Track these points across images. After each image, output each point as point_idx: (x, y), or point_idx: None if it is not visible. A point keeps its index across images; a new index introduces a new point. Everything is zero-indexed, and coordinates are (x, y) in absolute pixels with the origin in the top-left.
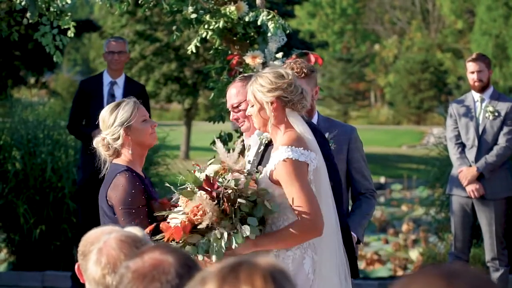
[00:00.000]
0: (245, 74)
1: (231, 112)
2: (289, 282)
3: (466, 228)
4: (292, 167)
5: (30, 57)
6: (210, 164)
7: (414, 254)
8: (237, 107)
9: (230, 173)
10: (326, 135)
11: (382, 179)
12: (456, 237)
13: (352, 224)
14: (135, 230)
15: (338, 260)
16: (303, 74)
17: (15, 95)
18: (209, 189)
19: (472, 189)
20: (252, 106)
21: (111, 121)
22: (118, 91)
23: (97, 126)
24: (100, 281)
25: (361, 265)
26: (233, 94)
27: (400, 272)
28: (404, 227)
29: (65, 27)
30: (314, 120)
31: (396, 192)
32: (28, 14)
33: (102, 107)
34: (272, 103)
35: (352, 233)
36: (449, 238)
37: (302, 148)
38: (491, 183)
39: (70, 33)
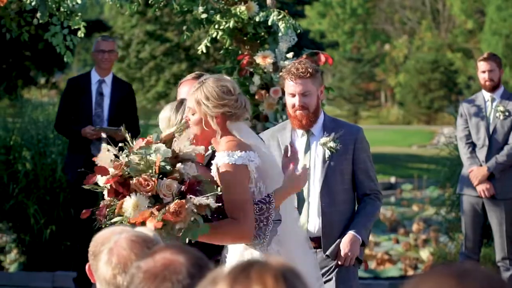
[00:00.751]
0: (198, 72)
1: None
2: (300, 282)
3: (477, 228)
4: (228, 172)
5: (41, 57)
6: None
7: (425, 254)
8: None
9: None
10: (332, 135)
11: (393, 179)
12: (466, 236)
13: (357, 226)
14: (146, 230)
15: (303, 254)
16: (308, 74)
17: (25, 96)
18: (192, 195)
19: (482, 188)
20: (193, 114)
21: (179, 119)
22: (107, 89)
23: (87, 124)
24: (111, 281)
25: (372, 264)
26: (185, 93)
27: (410, 272)
28: (415, 227)
29: (75, 27)
30: (320, 120)
31: (407, 192)
32: (38, 14)
33: (90, 105)
34: (216, 117)
35: (357, 235)
36: (459, 238)
37: (239, 151)
38: (502, 183)
39: (80, 33)
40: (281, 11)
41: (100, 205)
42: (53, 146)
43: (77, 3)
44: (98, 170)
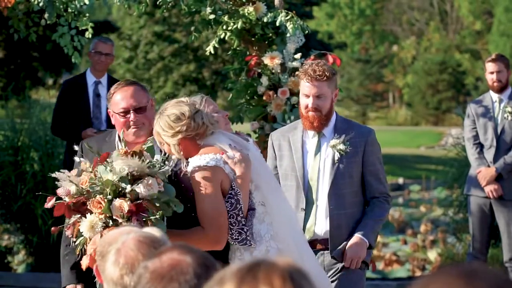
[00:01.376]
0: (129, 80)
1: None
2: (307, 282)
3: (484, 229)
4: (199, 176)
5: (48, 58)
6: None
7: (433, 254)
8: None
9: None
10: (342, 137)
11: (401, 180)
12: (474, 237)
13: (364, 229)
14: (153, 231)
15: (302, 250)
16: (325, 77)
17: (33, 96)
18: (137, 216)
19: (490, 189)
20: (162, 144)
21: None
22: (103, 90)
23: (86, 126)
24: (118, 281)
25: (380, 265)
26: (117, 101)
27: (418, 273)
28: (423, 228)
29: (83, 28)
30: (332, 121)
31: (415, 193)
32: (46, 15)
33: (88, 107)
34: (178, 144)
35: (364, 238)
36: (467, 239)
37: (212, 153)
38: (510, 184)
39: (88, 34)
40: (289, 12)
41: (69, 223)
42: (61, 147)
43: (84, 4)
44: (58, 192)
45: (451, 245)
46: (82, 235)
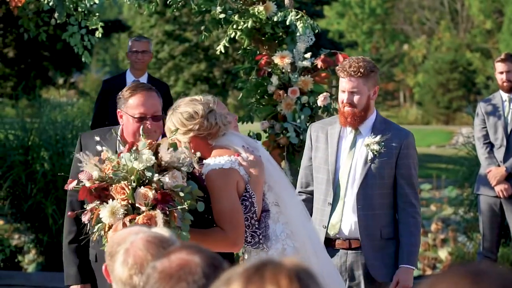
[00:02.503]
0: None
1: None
2: (314, 282)
3: (495, 228)
4: (215, 178)
5: (59, 57)
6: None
7: (443, 253)
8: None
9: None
10: (378, 137)
11: None
12: (484, 236)
13: (406, 256)
14: (162, 231)
15: (317, 250)
16: (359, 73)
17: (44, 96)
18: (163, 205)
19: (500, 189)
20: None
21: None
22: None
23: None
24: (127, 281)
25: None
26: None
27: (429, 272)
28: (433, 227)
29: (93, 27)
30: (371, 120)
31: (425, 191)
32: (56, 15)
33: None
34: (189, 142)
35: (409, 266)
36: (477, 238)
37: (226, 155)
38: None
39: (98, 33)
40: (299, 11)
41: (87, 209)
42: (71, 146)
43: (94, 3)
44: (81, 176)
45: (461, 244)
46: (101, 221)
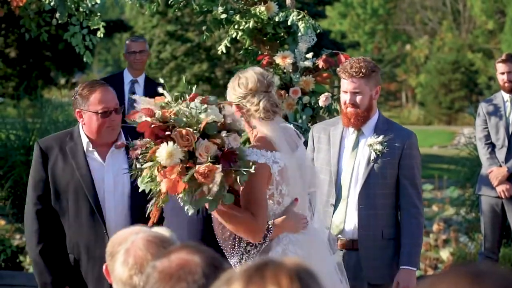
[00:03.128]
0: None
1: (98, 116)
2: (315, 282)
3: (496, 228)
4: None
5: (61, 57)
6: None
7: (445, 254)
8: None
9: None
10: (381, 137)
11: None
12: (486, 237)
13: (407, 257)
14: (162, 230)
15: (323, 258)
16: (360, 74)
17: (46, 96)
18: (226, 162)
19: (502, 189)
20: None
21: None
22: (139, 89)
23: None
24: (127, 281)
25: None
26: (98, 99)
27: (430, 272)
28: (435, 227)
29: (95, 27)
30: (373, 120)
31: (427, 192)
32: (57, 15)
33: (123, 105)
34: (236, 106)
35: (411, 267)
36: (479, 238)
37: (264, 149)
38: None
39: (100, 34)
40: (301, 11)
41: (136, 144)
42: None
43: (96, 3)
44: (143, 111)
45: (463, 245)
46: (153, 160)
